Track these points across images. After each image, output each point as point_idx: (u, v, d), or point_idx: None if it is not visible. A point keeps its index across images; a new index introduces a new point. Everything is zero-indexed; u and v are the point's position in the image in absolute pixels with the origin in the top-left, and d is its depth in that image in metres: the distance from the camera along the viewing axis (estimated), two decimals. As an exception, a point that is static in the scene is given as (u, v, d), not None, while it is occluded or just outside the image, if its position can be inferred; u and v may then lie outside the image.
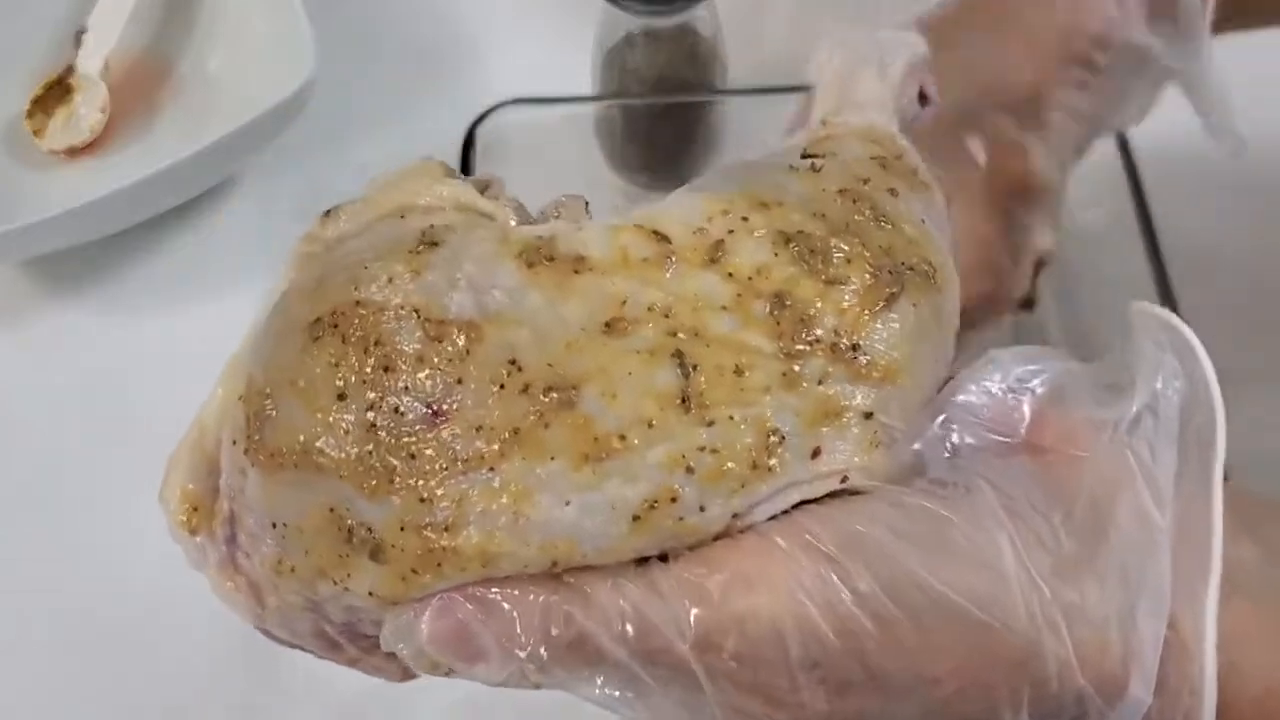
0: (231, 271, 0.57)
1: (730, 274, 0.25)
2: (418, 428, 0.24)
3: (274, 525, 0.25)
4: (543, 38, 0.64)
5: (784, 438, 0.24)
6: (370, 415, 0.24)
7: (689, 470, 0.23)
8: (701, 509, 0.24)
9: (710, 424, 0.24)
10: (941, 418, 0.26)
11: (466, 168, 0.50)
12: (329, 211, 0.29)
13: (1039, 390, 0.26)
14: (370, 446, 0.24)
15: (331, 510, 0.24)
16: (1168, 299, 0.46)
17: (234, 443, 0.26)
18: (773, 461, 0.24)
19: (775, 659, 0.23)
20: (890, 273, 0.26)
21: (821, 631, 0.23)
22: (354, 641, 0.27)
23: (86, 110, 0.61)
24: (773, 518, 0.24)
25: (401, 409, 0.24)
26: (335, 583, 0.24)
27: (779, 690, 0.23)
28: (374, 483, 0.23)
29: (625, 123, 0.55)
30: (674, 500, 0.23)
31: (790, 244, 0.26)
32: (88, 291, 0.57)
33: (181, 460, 0.28)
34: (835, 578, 0.23)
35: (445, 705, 0.47)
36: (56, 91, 0.61)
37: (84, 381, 0.55)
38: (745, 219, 0.26)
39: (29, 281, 0.58)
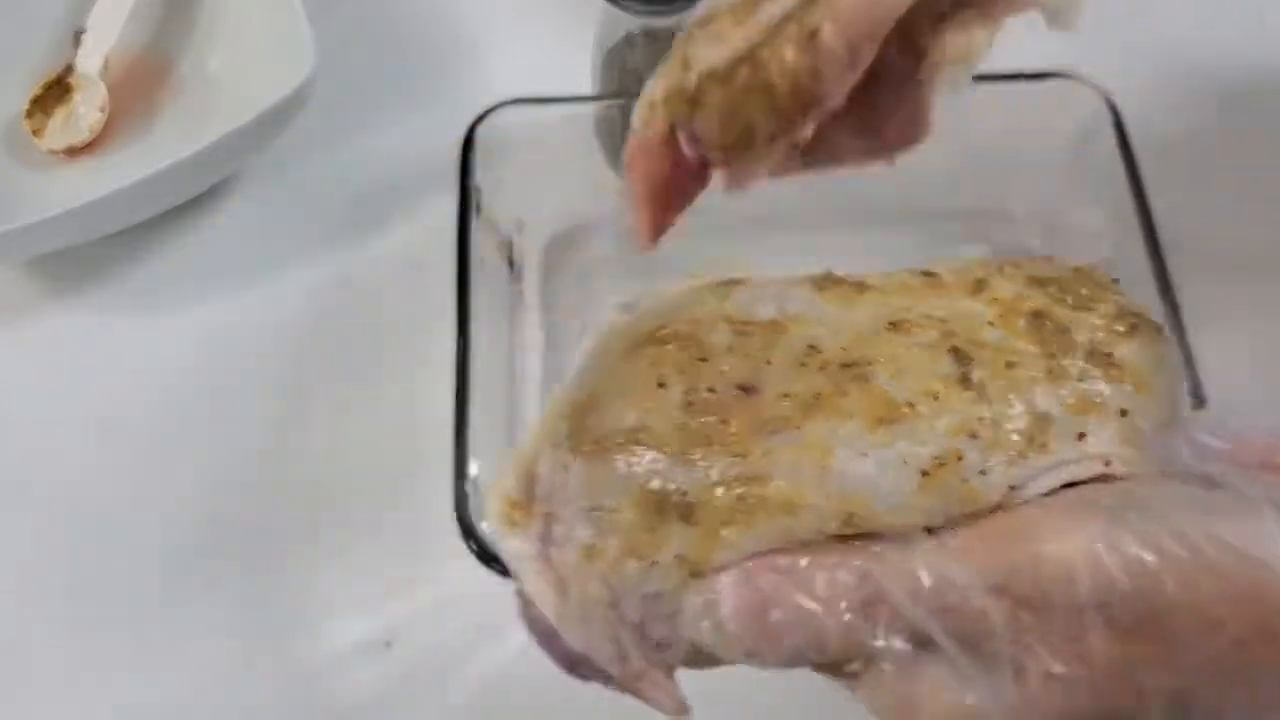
0: (232, 272, 0.57)
1: (994, 299, 0.30)
2: (730, 400, 0.27)
3: (591, 510, 0.27)
4: (542, 37, 0.64)
5: (1053, 420, 0.27)
6: (688, 395, 0.27)
7: (973, 435, 0.27)
8: (983, 473, 0.26)
9: (990, 402, 0.27)
10: (1185, 438, 0.28)
11: (466, 168, 0.50)
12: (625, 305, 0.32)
13: (1262, 429, 0.28)
14: (689, 420, 0.27)
15: (648, 484, 0.27)
16: (1167, 295, 0.46)
17: (555, 446, 0.28)
18: (1046, 439, 0.27)
19: (1065, 601, 0.24)
20: (1130, 312, 0.30)
21: (1111, 571, 0.24)
22: (642, 649, 0.28)
23: (86, 110, 0.61)
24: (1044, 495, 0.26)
25: (715, 388, 0.27)
26: (642, 559, 0.27)
27: (1066, 635, 0.24)
28: (691, 448, 0.27)
29: (626, 123, 0.55)
30: (959, 459, 0.26)
31: (1043, 285, 0.30)
32: (87, 292, 0.57)
33: (504, 473, 0.30)
34: (1121, 526, 0.24)
35: (442, 709, 0.47)
36: (56, 91, 0.61)
37: (84, 382, 0.55)
38: (1000, 269, 0.31)
39: (29, 281, 0.58)
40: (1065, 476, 0.27)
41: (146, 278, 0.58)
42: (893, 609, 0.25)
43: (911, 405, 0.27)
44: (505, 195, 0.53)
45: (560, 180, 0.56)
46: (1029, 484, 0.27)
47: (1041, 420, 0.27)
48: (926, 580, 0.25)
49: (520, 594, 0.29)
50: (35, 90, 0.61)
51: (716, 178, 0.40)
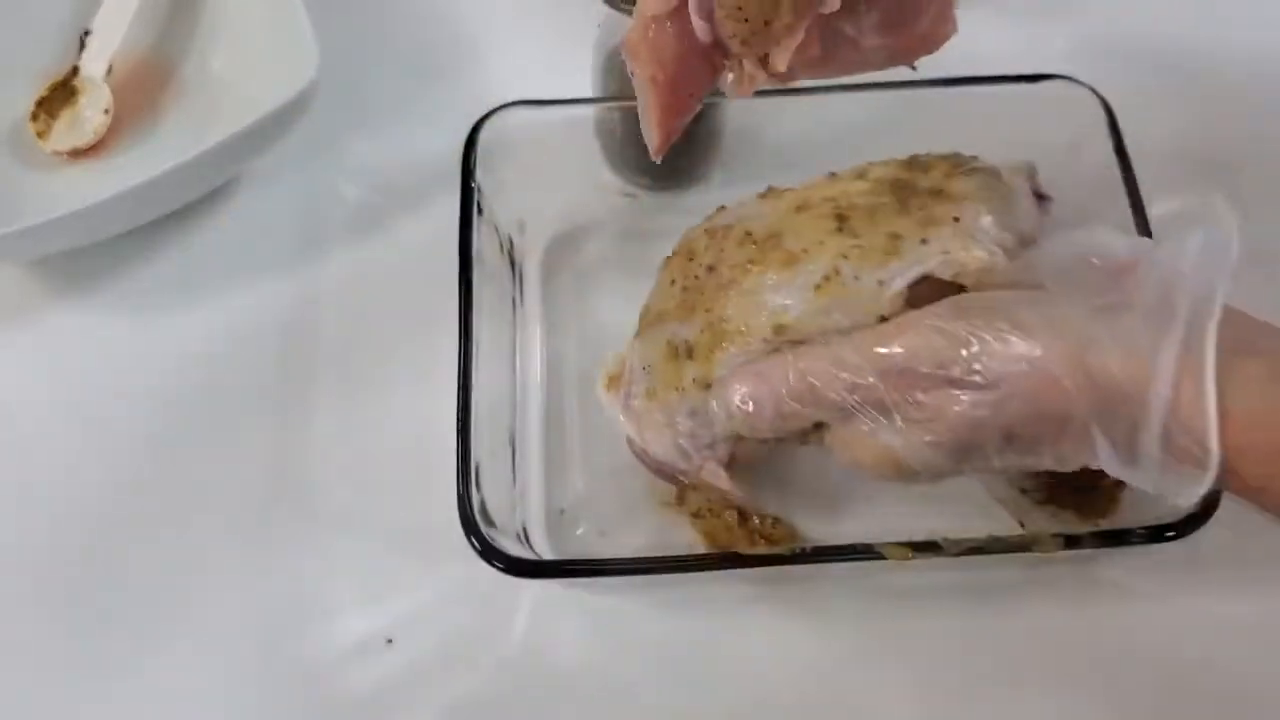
0: (235, 273, 0.58)
1: (872, 179, 0.43)
2: (704, 278, 0.43)
3: (644, 368, 0.45)
4: (543, 39, 0.64)
5: (902, 237, 0.40)
6: (683, 284, 0.45)
7: (845, 257, 0.40)
8: (857, 278, 0.40)
9: (858, 236, 0.41)
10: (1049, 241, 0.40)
11: (468, 169, 0.50)
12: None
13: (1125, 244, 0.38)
14: (684, 299, 0.44)
15: (667, 342, 0.44)
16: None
17: (630, 339, 0.47)
18: (898, 248, 0.40)
19: (925, 372, 0.37)
20: (970, 165, 0.43)
21: (940, 346, 0.36)
22: (698, 450, 0.43)
23: (91, 112, 0.61)
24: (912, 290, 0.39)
25: (697, 275, 0.44)
26: (676, 390, 0.43)
27: (929, 396, 0.37)
28: (685, 314, 0.43)
29: (625, 124, 0.55)
30: (838, 273, 0.40)
31: (910, 168, 0.44)
32: (92, 293, 0.57)
33: (607, 360, 0.48)
34: (959, 319, 0.37)
35: (442, 707, 0.47)
36: (61, 93, 0.62)
37: (87, 382, 0.55)
38: (885, 163, 0.44)
39: (33, 282, 0.58)
40: (917, 271, 0.39)
41: (150, 279, 0.58)
42: (824, 389, 0.38)
43: (805, 251, 0.41)
44: (506, 196, 0.53)
45: (561, 182, 0.57)
46: (893, 280, 0.39)
47: (893, 238, 0.40)
48: (840, 370, 0.38)
49: (628, 440, 0.46)
50: (40, 92, 0.61)
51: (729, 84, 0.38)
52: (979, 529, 0.44)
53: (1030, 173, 0.52)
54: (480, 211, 0.50)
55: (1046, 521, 0.48)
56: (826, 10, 0.35)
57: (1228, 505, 0.42)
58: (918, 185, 0.42)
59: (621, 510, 0.50)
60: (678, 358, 0.43)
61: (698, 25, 0.36)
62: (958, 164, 0.43)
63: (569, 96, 0.54)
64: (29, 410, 0.54)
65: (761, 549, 0.48)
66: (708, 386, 0.42)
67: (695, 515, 0.49)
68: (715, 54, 0.37)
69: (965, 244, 0.40)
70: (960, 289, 0.39)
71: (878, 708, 0.47)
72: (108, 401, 0.54)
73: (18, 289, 0.58)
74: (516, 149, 0.52)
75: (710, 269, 0.43)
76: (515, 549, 0.44)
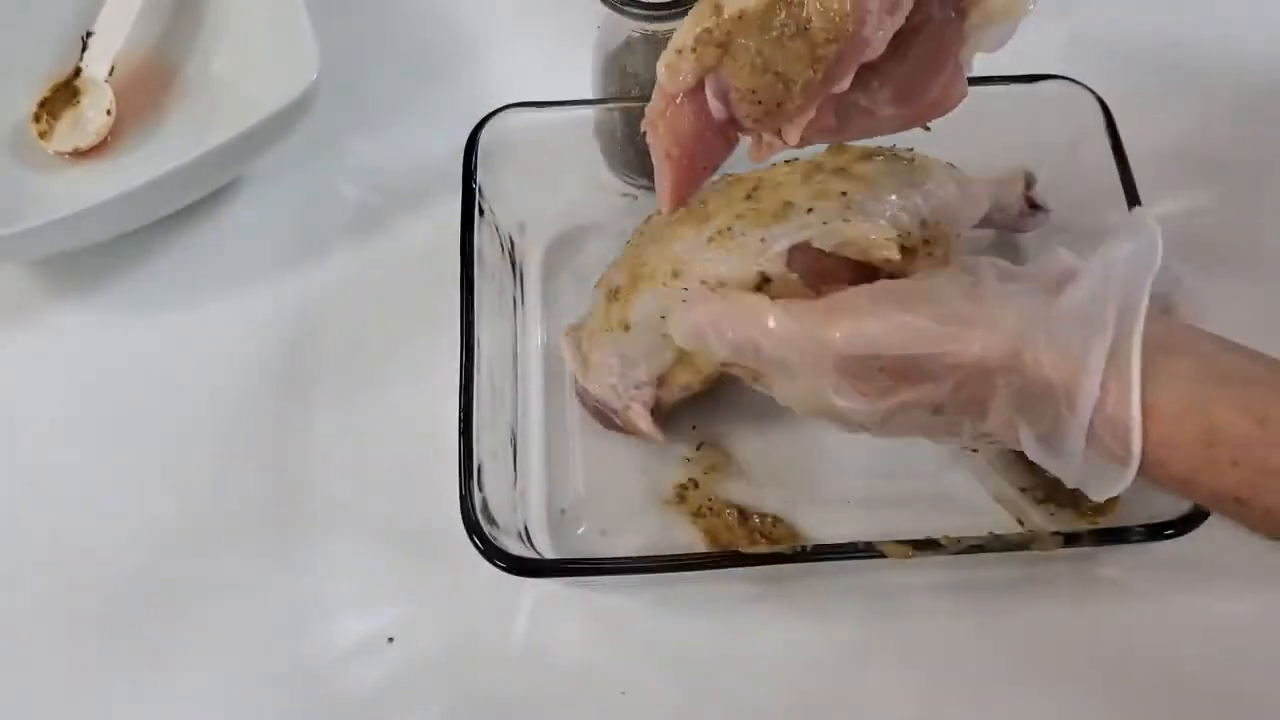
0: (236, 273, 0.58)
1: (797, 166, 0.47)
2: (643, 239, 0.49)
3: (590, 313, 0.51)
4: (543, 39, 0.64)
5: (793, 205, 0.44)
6: (634, 243, 0.50)
7: (740, 217, 0.45)
8: (742, 234, 0.44)
9: (758, 204, 0.45)
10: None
11: (470, 171, 0.51)
12: None
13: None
14: (629, 252, 0.50)
15: (606, 287, 0.49)
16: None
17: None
18: (786, 215, 0.44)
19: (859, 354, 0.38)
20: (887, 155, 0.46)
21: (877, 334, 0.38)
22: (625, 387, 0.49)
23: (93, 113, 0.61)
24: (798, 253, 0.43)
25: (642, 235, 0.50)
26: (606, 331, 0.48)
27: (854, 373, 0.39)
28: (624, 264, 0.49)
29: (625, 126, 0.55)
30: (729, 229, 0.44)
31: (836, 153, 0.47)
32: (94, 293, 0.58)
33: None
34: (890, 305, 0.38)
35: (442, 705, 0.47)
36: (63, 94, 0.62)
37: (89, 383, 0.55)
38: (817, 150, 0.47)
39: (35, 283, 0.58)
40: (798, 236, 0.43)
41: (152, 279, 0.58)
42: (728, 339, 0.40)
43: (715, 213, 0.45)
44: (507, 197, 0.53)
45: (561, 182, 0.57)
46: (775, 241, 0.43)
47: (785, 206, 0.44)
48: (760, 335, 0.40)
49: (575, 379, 0.50)
50: (43, 93, 0.62)
51: (745, 145, 0.38)
52: (979, 526, 0.44)
53: (1029, 181, 0.52)
54: (481, 213, 0.51)
55: (1046, 520, 0.48)
56: (837, 91, 0.36)
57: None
58: (824, 166, 0.46)
59: (622, 510, 0.50)
60: (610, 300, 0.48)
61: (713, 105, 0.37)
62: (874, 151, 0.47)
63: (569, 96, 0.54)
64: (31, 410, 0.55)
65: (762, 548, 0.48)
66: (626, 328, 0.47)
67: (695, 514, 0.50)
68: (730, 129, 0.38)
69: (849, 217, 0.43)
70: (856, 264, 0.43)
71: (879, 706, 0.47)
72: (109, 402, 0.54)
73: (20, 289, 0.58)
74: (517, 150, 0.53)
75: (649, 234, 0.48)
76: (517, 549, 0.44)
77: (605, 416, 0.50)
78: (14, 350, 0.56)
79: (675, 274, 0.45)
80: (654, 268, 0.46)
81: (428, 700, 0.47)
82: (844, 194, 0.44)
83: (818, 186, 0.45)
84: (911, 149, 0.47)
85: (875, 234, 0.43)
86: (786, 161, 0.47)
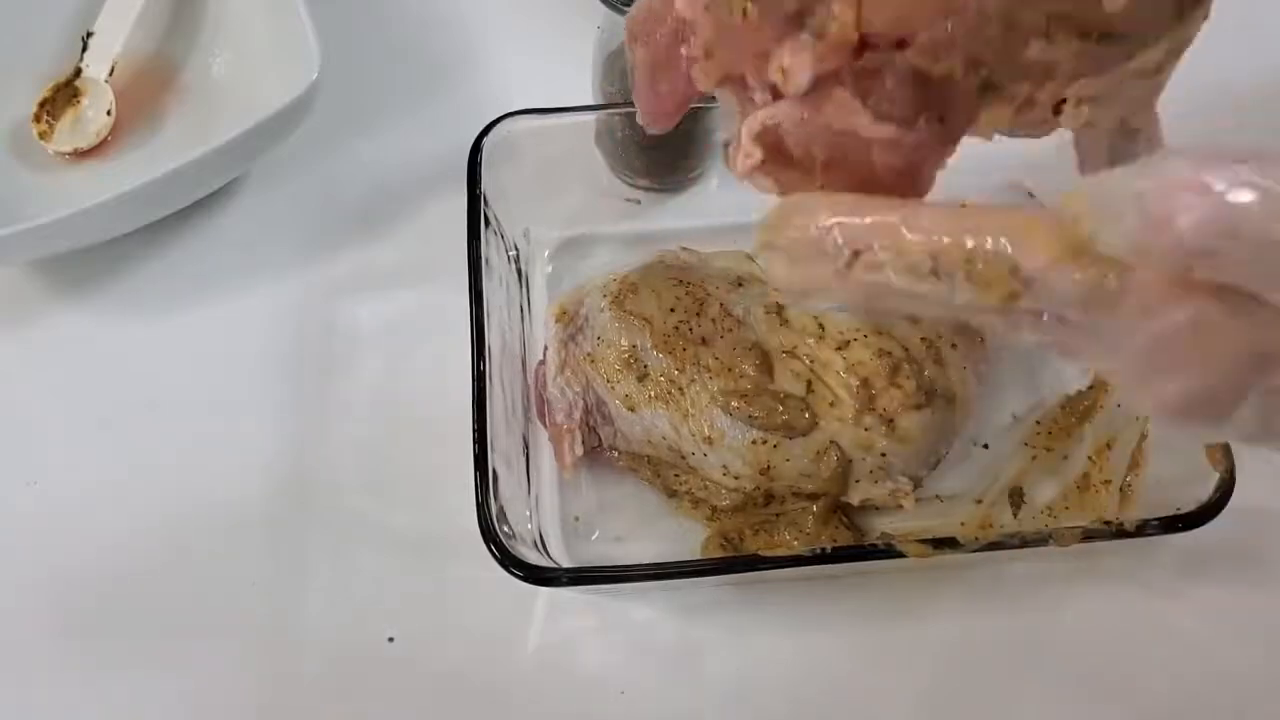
0: (236, 274, 0.58)
1: (845, 358, 0.47)
2: (695, 346, 0.49)
3: (598, 339, 0.50)
4: (544, 39, 0.64)
5: (838, 447, 0.47)
6: (680, 320, 0.49)
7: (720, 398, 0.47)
8: (694, 401, 0.47)
9: (739, 381, 0.47)
10: None
11: (474, 175, 0.50)
12: None
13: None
14: (674, 339, 0.49)
15: (633, 353, 0.49)
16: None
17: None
18: (829, 453, 0.47)
19: None
20: (927, 393, 0.47)
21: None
22: (581, 418, 0.50)
23: (93, 113, 0.61)
24: None
25: (693, 329, 0.49)
26: (610, 384, 0.49)
27: None
28: (668, 352, 0.49)
29: (626, 127, 0.55)
30: (695, 403, 0.47)
31: (882, 358, 0.47)
32: (93, 294, 0.58)
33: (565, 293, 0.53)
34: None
35: (443, 704, 0.47)
36: (63, 94, 0.62)
37: (91, 383, 0.55)
38: (865, 335, 0.48)
39: (35, 283, 0.58)
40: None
41: (152, 280, 0.58)
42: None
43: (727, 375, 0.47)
44: (511, 204, 0.53)
45: (564, 188, 0.57)
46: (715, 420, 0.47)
47: (829, 449, 0.46)
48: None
49: (538, 364, 0.51)
50: (43, 93, 0.61)
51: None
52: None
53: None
54: (486, 221, 0.50)
55: (1058, 516, 0.49)
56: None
57: (1236, 501, 0.42)
58: (877, 403, 0.46)
59: (635, 516, 0.50)
60: (630, 370, 0.48)
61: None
62: (930, 392, 0.47)
63: (569, 97, 0.54)
64: (32, 410, 0.55)
65: (778, 550, 0.47)
66: (632, 409, 0.48)
67: (709, 519, 0.49)
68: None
69: (878, 479, 0.48)
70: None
71: (888, 708, 0.47)
72: (111, 402, 0.54)
73: (20, 289, 0.58)
74: (520, 157, 0.52)
75: (704, 342, 0.48)
76: (533, 556, 0.43)
77: (541, 403, 0.50)
78: (13, 350, 0.56)
79: (679, 447, 0.48)
80: (679, 428, 0.47)
81: (428, 698, 0.47)
82: (884, 455, 0.46)
83: (864, 437, 0.46)
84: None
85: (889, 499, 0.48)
86: (832, 337, 0.48)
